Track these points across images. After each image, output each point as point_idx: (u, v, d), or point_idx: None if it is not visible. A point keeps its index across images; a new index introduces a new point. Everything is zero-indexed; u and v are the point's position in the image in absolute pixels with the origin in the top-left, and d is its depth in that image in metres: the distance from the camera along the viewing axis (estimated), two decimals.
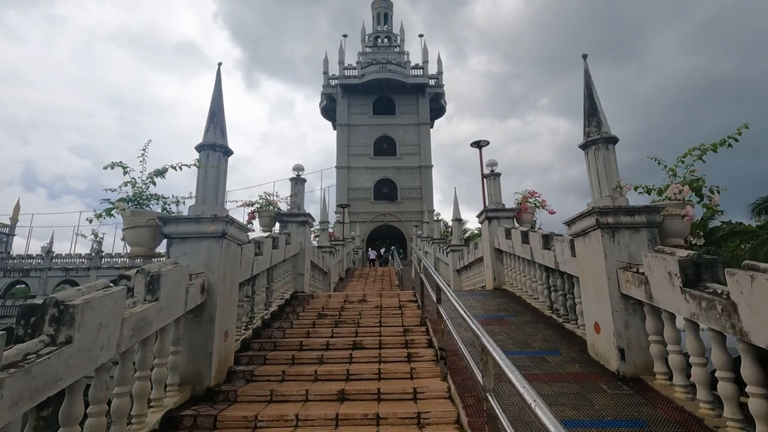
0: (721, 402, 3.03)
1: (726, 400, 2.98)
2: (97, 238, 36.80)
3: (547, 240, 6.01)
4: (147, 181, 4.32)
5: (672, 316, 3.55)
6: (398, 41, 43.99)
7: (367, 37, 44.18)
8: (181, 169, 4.35)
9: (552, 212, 8.98)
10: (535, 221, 9.08)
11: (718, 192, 4.56)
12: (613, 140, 4.65)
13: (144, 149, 4.38)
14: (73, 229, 38.99)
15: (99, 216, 4.17)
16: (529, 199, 8.79)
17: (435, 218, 21.69)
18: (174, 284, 3.50)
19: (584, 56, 4.98)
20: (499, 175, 9.27)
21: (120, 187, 4.39)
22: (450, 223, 16.91)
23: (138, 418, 3.16)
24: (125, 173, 4.39)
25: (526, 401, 1.73)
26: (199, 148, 4.60)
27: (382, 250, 30.49)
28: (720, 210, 33.29)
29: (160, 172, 4.32)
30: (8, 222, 41.70)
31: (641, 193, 4.66)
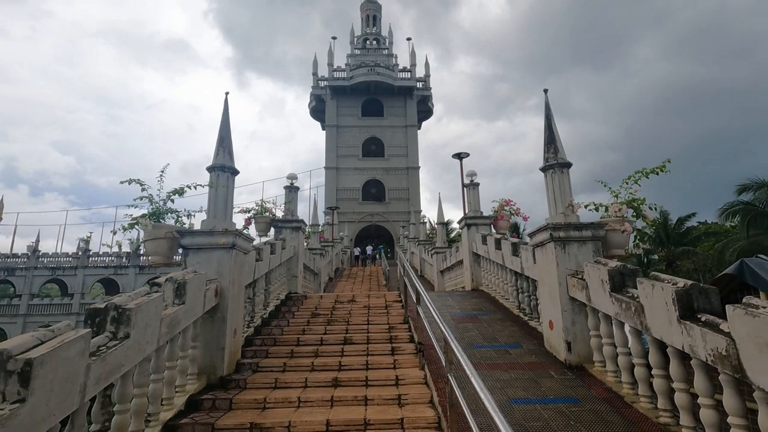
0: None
1: (640, 380, 3.79)
2: (86, 237, 36.79)
3: (516, 248, 6.81)
4: (165, 199, 4.96)
5: (607, 316, 4.35)
6: (387, 44, 44.68)
7: (356, 39, 44.77)
8: (195, 188, 5.01)
9: (525, 218, 9.83)
10: (516, 225, 9.90)
11: (656, 209, 5.40)
12: (568, 165, 5.45)
13: (162, 171, 5.02)
14: (58, 228, 38.77)
15: (125, 229, 4.80)
16: (505, 207, 9.61)
17: (421, 220, 22.48)
18: (196, 290, 4.17)
19: (545, 90, 5.77)
20: (478, 185, 10.06)
21: (135, 200, 5.04)
22: (435, 225, 17.70)
23: (168, 401, 3.84)
24: (143, 189, 5.04)
25: (468, 375, 2.48)
26: (210, 169, 5.26)
27: (369, 249, 31.33)
28: (694, 212, 34.75)
29: (178, 192, 4.97)
30: None
31: (590, 210, 5.46)
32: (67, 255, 37.25)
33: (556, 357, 4.96)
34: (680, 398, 3.27)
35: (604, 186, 5.39)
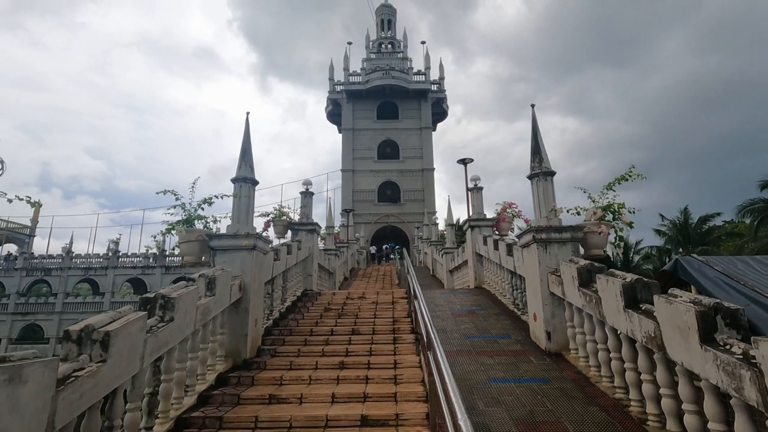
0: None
1: (602, 363, 4.37)
2: (116, 239, 38.69)
3: (510, 248, 7.39)
4: (197, 207, 5.77)
5: (577, 308, 4.93)
6: (401, 47, 45.34)
7: (371, 43, 45.59)
8: (222, 198, 5.81)
9: (527, 221, 10.33)
10: (512, 230, 10.42)
11: (633, 212, 5.93)
12: (551, 174, 6.03)
13: (193, 183, 5.83)
14: (90, 230, 40.86)
15: (164, 233, 5.63)
16: (507, 210, 10.15)
17: (434, 222, 23.05)
18: (223, 284, 4.95)
19: (532, 105, 6.36)
20: (481, 189, 10.64)
21: (170, 208, 5.87)
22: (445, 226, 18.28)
23: (201, 376, 4.62)
24: (177, 199, 5.87)
25: (436, 350, 3.13)
26: (234, 180, 6.05)
27: (385, 247, 32.31)
28: (718, 212, 34.22)
29: (207, 201, 5.77)
30: (29, 223, 43.75)
31: (573, 214, 6.02)
32: (98, 256, 39.21)
33: (538, 346, 5.55)
34: (630, 377, 3.85)
35: (584, 192, 5.94)
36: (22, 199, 3.05)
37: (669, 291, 3.28)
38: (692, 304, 2.89)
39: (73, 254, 38.87)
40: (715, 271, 4.70)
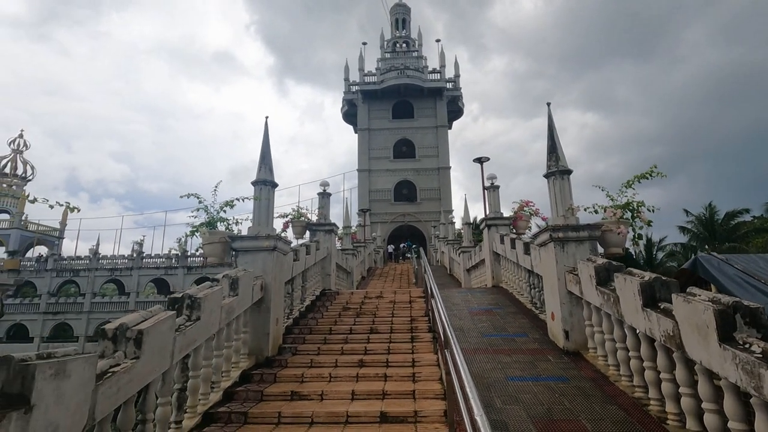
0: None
1: (621, 362, 4.37)
2: (140, 240, 39.82)
3: (527, 247, 7.38)
4: (219, 210, 5.96)
5: (595, 307, 4.91)
6: (416, 46, 45.26)
7: (386, 43, 45.64)
8: (243, 201, 5.99)
9: (544, 218, 10.26)
10: (530, 228, 10.36)
11: (652, 211, 5.86)
12: (568, 172, 6.00)
13: (216, 187, 6.03)
14: (115, 232, 42.19)
15: (188, 236, 5.84)
16: (524, 208, 10.10)
17: (450, 220, 23.02)
18: (246, 284, 5.11)
19: (548, 104, 6.34)
20: (498, 187, 10.62)
21: (193, 212, 6.08)
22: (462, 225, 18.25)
23: (226, 373, 4.79)
24: (200, 202, 6.07)
25: (453, 348, 3.20)
26: (254, 183, 6.22)
27: (402, 246, 32.56)
28: (747, 208, 33.26)
29: (229, 203, 5.96)
30: (58, 226, 45.42)
31: (590, 212, 5.99)
32: (123, 257, 40.45)
33: (556, 344, 5.54)
34: (649, 375, 3.84)
35: (602, 190, 5.90)
36: (62, 205, 3.24)
37: (688, 290, 3.27)
38: (711, 303, 2.88)
39: (100, 255, 40.19)
40: (735, 270, 4.62)
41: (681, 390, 3.35)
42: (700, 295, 3.10)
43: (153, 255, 40.36)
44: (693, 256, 6.16)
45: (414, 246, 28.09)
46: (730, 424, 2.80)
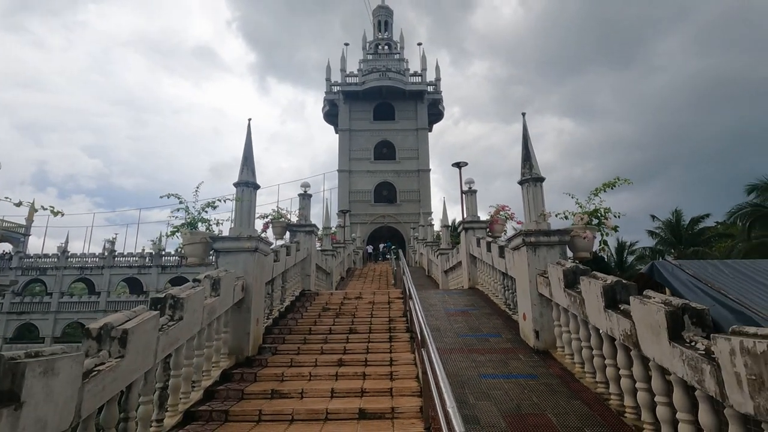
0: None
1: (586, 360, 4.65)
2: (112, 238, 38.69)
3: (502, 250, 7.67)
4: (200, 211, 5.99)
5: (563, 308, 5.20)
6: (398, 48, 45.61)
7: (368, 44, 45.80)
8: (225, 202, 6.04)
9: (519, 223, 10.62)
10: (505, 231, 10.70)
11: (618, 217, 6.22)
12: (541, 179, 6.30)
13: (197, 188, 6.05)
14: (86, 229, 40.82)
15: (168, 236, 5.84)
16: (501, 212, 10.42)
17: (429, 222, 23.34)
18: (227, 285, 5.18)
19: (523, 114, 6.64)
20: (475, 191, 10.92)
21: (173, 212, 6.10)
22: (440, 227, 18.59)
23: (207, 372, 4.85)
24: (180, 202, 6.08)
25: (429, 347, 3.39)
26: (236, 185, 6.27)
27: (381, 246, 32.87)
28: (707, 213, 34.89)
29: (211, 205, 6.00)
30: (24, 222, 43.61)
31: (561, 218, 6.30)
32: (93, 255, 39.19)
33: (527, 344, 5.82)
34: (610, 372, 4.12)
35: (572, 197, 6.22)
36: (46, 209, 3.23)
37: (644, 293, 3.55)
38: (663, 305, 3.16)
39: (69, 253, 38.84)
40: (687, 275, 5.00)
41: (637, 385, 3.62)
42: (654, 298, 3.38)
43: (126, 253, 39.28)
44: (650, 263, 6.60)
45: (393, 247, 28.32)
46: (678, 415, 3.08)
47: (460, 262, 11.77)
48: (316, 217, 15.25)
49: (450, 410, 2.19)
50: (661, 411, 3.29)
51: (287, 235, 10.41)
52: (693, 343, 2.92)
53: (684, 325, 3.07)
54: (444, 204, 17.46)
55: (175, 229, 5.92)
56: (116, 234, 40.61)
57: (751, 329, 2.48)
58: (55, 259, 38.58)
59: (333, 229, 21.14)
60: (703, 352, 2.77)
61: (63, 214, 3.18)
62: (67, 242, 39.16)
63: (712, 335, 2.69)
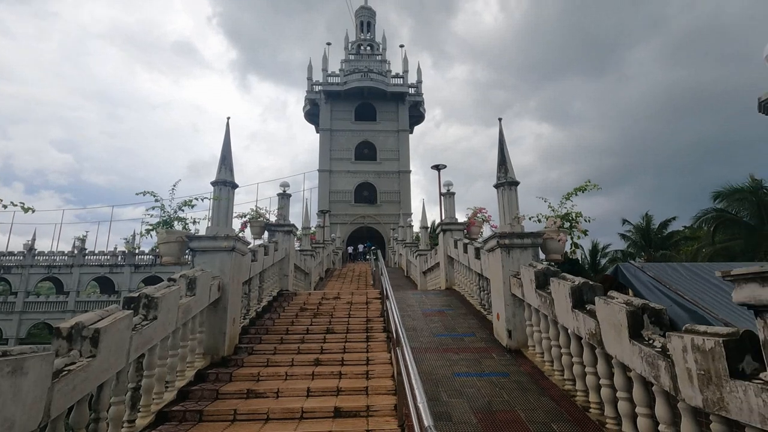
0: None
1: (554, 359, 4.82)
2: (83, 236, 37.42)
3: (478, 252, 7.84)
4: (176, 209, 5.92)
5: (535, 308, 5.37)
6: (380, 50, 45.70)
7: (350, 44, 45.73)
8: (203, 200, 5.98)
9: (495, 226, 10.85)
10: (482, 234, 10.90)
11: (588, 221, 6.45)
12: (516, 183, 6.48)
13: (174, 186, 5.98)
14: (54, 226, 39.32)
15: (143, 235, 5.75)
16: (478, 215, 10.63)
17: (409, 224, 23.52)
18: (203, 284, 5.14)
19: (500, 119, 6.80)
20: (453, 194, 11.09)
21: (148, 210, 6.01)
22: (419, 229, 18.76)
23: (181, 373, 4.80)
24: (156, 200, 6.00)
25: (403, 346, 3.47)
26: (214, 183, 6.22)
27: (360, 247, 32.96)
28: (674, 216, 36.31)
29: (188, 203, 5.93)
30: None
31: (534, 221, 6.50)
32: (62, 254, 37.81)
33: (500, 343, 5.98)
34: (576, 370, 4.30)
35: (544, 201, 6.42)
36: (16, 205, 3.14)
37: (608, 293, 3.73)
38: (624, 305, 3.33)
39: (36, 251, 37.36)
40: (648, 276, 5.26)
41: (601, 382, 3.80)
42: (617, 298, 3.56)
43: (97, 252, 38.04)
44: (615, 265, 6.93)
45: (373, 248, 28.42)
46: (638, 410, 3.25)
47: (438, 263, 11.93)
48: (296, 217, 15.20)
49: (420, 405, 2.28)
50: (622, 406, 3.47)
51: (266, 234, 10.34)
52: (651, 341, 3.10)
53: (643, 324, 3.24)
54: (423, 205, 17.65)
55: (151, 228, 5.83)
56: (87, 232, 39.28)
57: (702, 327, 2.66)
58: (21, 257, 37.03)
59: (312, 229, 21.05)
60: (660, 350, 2.94)
61: (34, 211, 3.12)
62: (34, 239, 37.66)
63: (667, 333, 2.86)
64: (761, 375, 2.21)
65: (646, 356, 3.01)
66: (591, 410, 3.94)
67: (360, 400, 4.38)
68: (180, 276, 4.92)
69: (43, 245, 39.53)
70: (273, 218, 10.58)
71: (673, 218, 36.62)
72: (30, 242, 37.49)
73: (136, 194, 6.19)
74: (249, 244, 6.92)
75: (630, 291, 5.54)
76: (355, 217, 39.13)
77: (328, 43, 44.65)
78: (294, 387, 4.70)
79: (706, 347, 2.45)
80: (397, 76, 43.69)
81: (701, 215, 26.07)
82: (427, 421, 2.10)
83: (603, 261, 36.94)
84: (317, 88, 42.55)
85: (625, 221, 36.28)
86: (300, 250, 14.35)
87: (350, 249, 33.72)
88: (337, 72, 43.12)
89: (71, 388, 2.79)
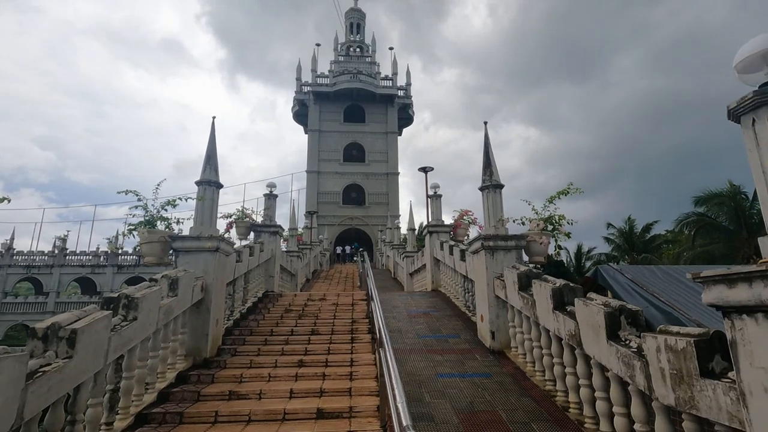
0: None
1: (536, 359, 4.88)
2: (64, 235, 36.59)
3: (463, 254, 7.90)
4: (159, 209, 5.84)
5: (517, 310, 5.44)
6: (370, 52, 45.76)
7: (339, 46, 45.69)
8: (187, 200, 5.92)
9: (481, 228, 10.94)
10: (468, 236, 10.98)
11: (571, 224, 6.56)
12: (500, 186, 6.56)
13: (158, 185, 5.90)
14: (34, 225, 38.38)
15: (125, 235, 5.67)
16: (464, 217, 10.71)
17: (396, 225, 23.57)
18: (186, 285, 5.08)
19: (485, 123, 6.88)
20: (440, 196, 11.16)
21: (131, 209, 5.93)
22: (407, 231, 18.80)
23: (162, 374, 4.74)
24: (139, 200, 5.92)
25: (385, 347, 3.49)
26: (198, 183, 6.16)
27: (348, 248, 32.96)
28: (656, 220, 37.07)
29: (171, 203, 5.86)
30: None
31: (518, 223, 6.58)
32: (42, 253, 36.91)
33: (483, 344, 6.04)
34: (557, 370, 4.36)
35: (528, 204, 6.51)
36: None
37: (587, 295, 3.80)
38: (602, 306, 3.40)
39: (14, 251, 36.40)
40: (626, 278, 5.38)
41: (581, 382, 3.86)
42: (595, 300, 3.63)
43: (78, 252, 37.21)
44: (595, 267, 7.08)
45: (361, 249, 28.39)
46: (614, 409, 3.32)
47: (424, 265, 11.98)
48: (283, 218, 15.12)
49: (399, 405, 2.30)
50: (600, 405, 3.53)
51: (251, 235, 10.26)
52: (627, 342, 3.17)
53: (620, 325, 3.31)
54: (410, 207, 17.72)
55: (133, 228, 5.74)
56: (68, 231, 38.42)
57: (675, 328, 2.73)
58: None
59: (299, 230, 20.95)
60: (635, 350, 3.01)
61: (9, 200, 3.06)
62: (12, 238, 36.68)
63: (642, 334, 2.93)
64: (729, 374, 2.28)
65: (623, 356, 3.08)
66: (570, 410, 4.00)
67: (343, 401, 4.38)
68: (162, 276, 4.86)
69: (22, 245, 38.59)
70: (259, 219, 10.50)
71: (655, 222, 37.44)
72: (8, 241, 36.52)
73: (118, 193, 6.10)
74: (234, 244, 6.86)
75: (609, 293, 5.65)
76: (343, 219, 39.05)
77: (318, 44, 44.57)
78: (277, 388, 4.67)
79: (678, 347, 2.52)
80: (386, 78, 43.79)
81: (682, 219, 26.70)
82: (406, 421, 2.12)
83: (588, 264, 37.60)
84: (306, 89, 42.40)
85: (609, 225, 36.92)
86: (287, 252, 14.27)
87: (338, 250, 33.70)
88: (327, 73, 43.05)
89: (46, 389, 2.73)
